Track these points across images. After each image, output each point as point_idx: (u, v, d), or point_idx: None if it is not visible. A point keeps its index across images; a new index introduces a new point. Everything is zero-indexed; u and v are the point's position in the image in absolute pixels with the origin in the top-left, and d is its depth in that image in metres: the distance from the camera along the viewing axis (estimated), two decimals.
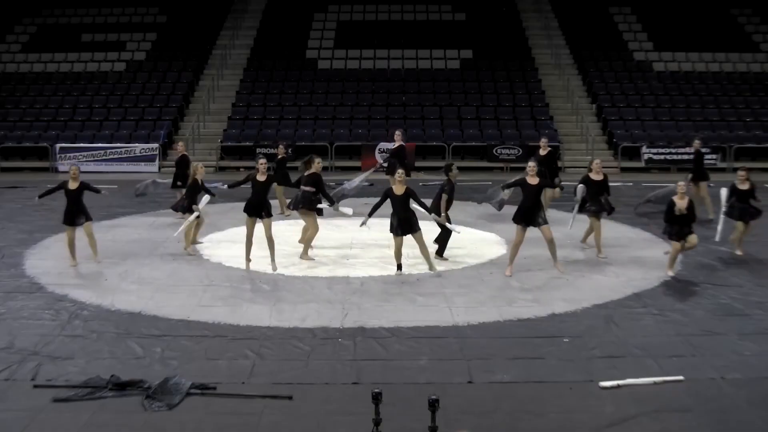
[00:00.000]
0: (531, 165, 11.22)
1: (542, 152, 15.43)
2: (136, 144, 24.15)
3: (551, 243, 11.17)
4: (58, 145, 24.02)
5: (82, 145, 24.25)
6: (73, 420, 6.76)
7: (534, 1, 31.81)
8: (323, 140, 24.62)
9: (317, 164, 12.12)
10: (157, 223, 15.10)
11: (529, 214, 11.06)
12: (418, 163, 23.42)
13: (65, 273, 11.43)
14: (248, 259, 11.52)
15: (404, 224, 11.05)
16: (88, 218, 11.89)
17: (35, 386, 7.44)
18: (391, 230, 11.21)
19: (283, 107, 26.40)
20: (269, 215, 11.44)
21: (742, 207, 12.44)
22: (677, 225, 11.21)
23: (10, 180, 21.61)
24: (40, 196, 12.16)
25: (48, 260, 12.21)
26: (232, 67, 28.78)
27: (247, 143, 24.32)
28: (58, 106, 26.57)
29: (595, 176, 12.29)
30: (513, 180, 11.99)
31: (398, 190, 11.08)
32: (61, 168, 23.57)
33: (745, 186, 12.44)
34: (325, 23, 30.75)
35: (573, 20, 30.37)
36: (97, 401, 7.10)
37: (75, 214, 11.78)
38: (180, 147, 15.98)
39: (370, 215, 11.30)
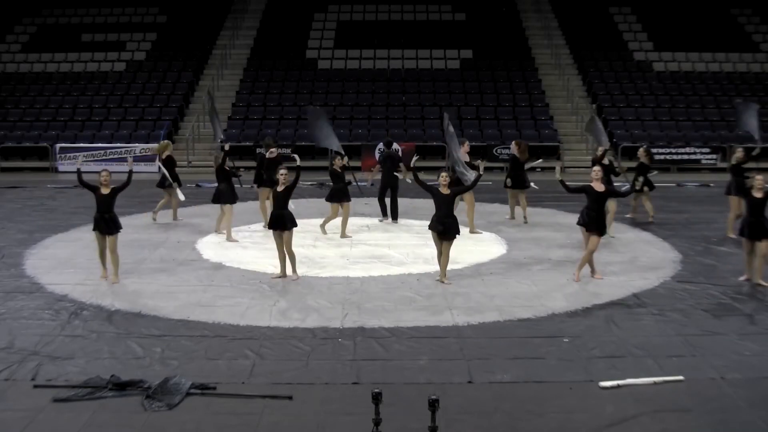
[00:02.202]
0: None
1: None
2: (136, 144, 24.16)
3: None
4: (58, 145, 24.03)
5: (82, 145, 24.23)
6: (73, 420, 6.76)
7: (534, 1, 31.82)
8: None
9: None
10: (157, 223, 15.09)
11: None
12: (417, 164, 23.42)
13: (65, 273, 11.42)
14: (282, 274, 11.11)
15: (446, 227, 10.71)
16: (117, 228, 10.96)
17: (35, 386, 7.44)
18: (432, 228, 10.87)
19: (283, 107, 26.40)
20: (291, 227, 11.03)
21: (755, 221, 10.62)
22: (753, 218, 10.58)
23: (10, 180, 21.61)
24: (80, 181, 11.05)
25: (48, 260, 12.20)
26: (232, 67, 28.79)
27: (247, 143, 24.32)
28: (58, 106, 26.57)
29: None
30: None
31: (444, 190, 10.86)
32: (60, 168, 23.60)
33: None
34: (325, 23, 30.76)
35: (573, 20, 30.38)
36: (97, 401, 7.10)
37: (106, 221, 10.84)
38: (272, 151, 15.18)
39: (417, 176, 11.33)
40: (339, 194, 13.66)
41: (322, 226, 13.91)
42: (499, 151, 23.82)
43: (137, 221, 15.04)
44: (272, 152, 14.32)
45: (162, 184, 15.16)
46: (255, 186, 14.73)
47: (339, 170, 13.77)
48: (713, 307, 9.83)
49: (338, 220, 13.79)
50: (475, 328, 9.07)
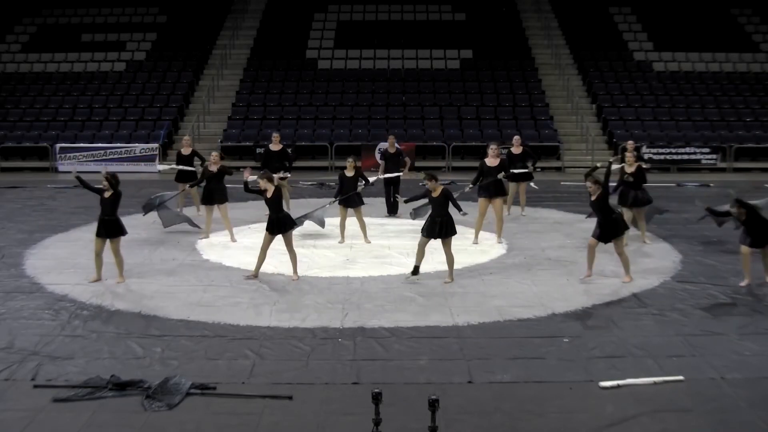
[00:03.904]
0: None
1: (515, 151, 15.47)
2: (136, 144, 24.17)
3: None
4: (58, 145, 24.03)
5: (82, 145, 24.26)
6: (73, 420, 6.76)
7: (534, 1, 31.82)
8: (323, 140, 24.62)
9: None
10: (158, 222, 15.09)
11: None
12: (418, 163, 23.44)
13: (65, 273, 11.41)
14: (255, 274, 11.13)
15: (440, 227, 10.77)
16: (119, 233, 10.84)
17: (35, 386, 7.44)
18: (424, 232, 10.92)
19: (283, 107, 26.41)
20: (290, 228, 11.04)
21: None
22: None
23: (10, 180, 21.61)
24: (79, 181, 11.03)
25: (48, 260, 12.20)
26: (232, 67, 28.79)
27: (247, 143, 24.33)
28: (58, 106, 26.58)
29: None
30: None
31: (435, 192, 10.87)
32: (61, 168, 23.60)
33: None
34: (325, 23, 30.76)
35: (573, 20, 30.38)
36: (97, 401, 7.10)
37: (106, 225, 10.76)
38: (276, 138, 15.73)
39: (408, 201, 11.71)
40: (347, 199, 13.32)
41: (365, 235, 13.40)
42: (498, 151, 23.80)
43: (137, 221, 15.03)
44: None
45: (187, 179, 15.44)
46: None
47: (350, 176, 13.37)
48: (713, 307, 9.83)
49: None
50: (475, 328, 9.07)
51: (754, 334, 8.79)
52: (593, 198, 10.73)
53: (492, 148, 13.49)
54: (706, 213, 11.54)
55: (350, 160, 13.62)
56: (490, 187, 13.16)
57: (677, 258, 12.28)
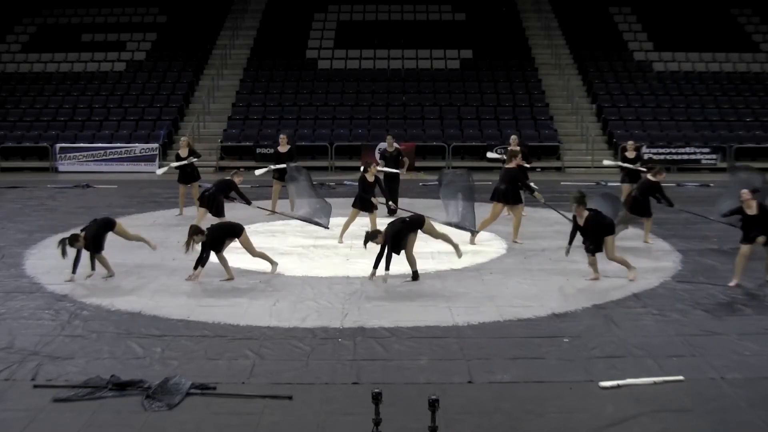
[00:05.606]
0: None
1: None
2: (136, 144, 24.17)
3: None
4: (58, 145, 24.04)
5: (82, 145, 24.27)
6: (73, 420, 6.76)
7: (534, 1, 31.82)
8: (323, 140, 24.62)
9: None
10: (157, 222, 15.11)
11: None
12: (418, 163, 23.43)
13: (65, 273, 11.40)
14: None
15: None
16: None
17: (35, 386, 7.44)
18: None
19: (283, 107, 26.42)
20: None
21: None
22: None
23: (10, 180, 21.61)
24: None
25: (48, 260, 12.18)
26: (232, 67, 28.79)
27: (247, 143, 24.34)
28: (58, 106, 26.58)
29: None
30: None
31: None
32: (61, 168, 23.62)
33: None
34: (325, 23, 30.77)
35: (573, 20, 30.39)
36: (97, 401, 7.10)
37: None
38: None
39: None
40: (364, 202, 13.40)
41: (342, 233, 13.45)
42: (499, 151, 23.81)
43: (137, 221, 15.04)
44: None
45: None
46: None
47: (371, 181, 13.43)
48: (713, 307, 9.83)
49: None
50: (475, 328, 9.07)
51: (754, 334, 8.79)
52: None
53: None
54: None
55: (373, 165, 13.86)
56: (509, 192, 13.31)
57: (677, 258, 12.29)
